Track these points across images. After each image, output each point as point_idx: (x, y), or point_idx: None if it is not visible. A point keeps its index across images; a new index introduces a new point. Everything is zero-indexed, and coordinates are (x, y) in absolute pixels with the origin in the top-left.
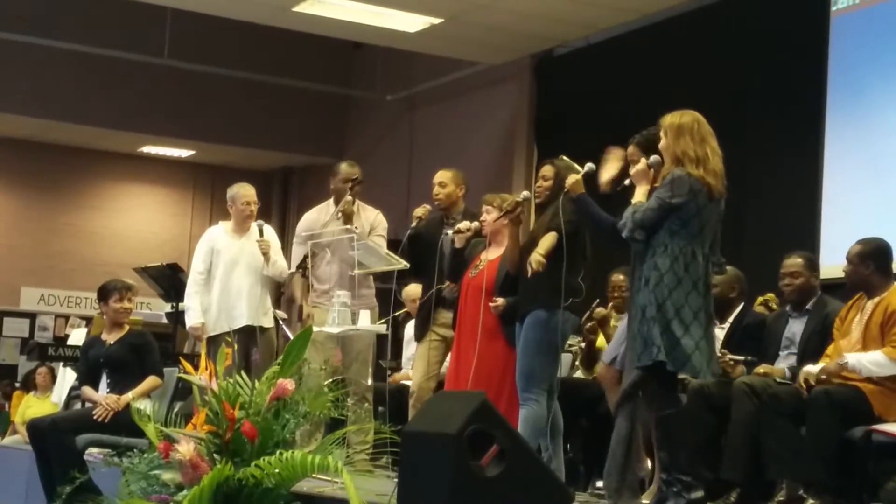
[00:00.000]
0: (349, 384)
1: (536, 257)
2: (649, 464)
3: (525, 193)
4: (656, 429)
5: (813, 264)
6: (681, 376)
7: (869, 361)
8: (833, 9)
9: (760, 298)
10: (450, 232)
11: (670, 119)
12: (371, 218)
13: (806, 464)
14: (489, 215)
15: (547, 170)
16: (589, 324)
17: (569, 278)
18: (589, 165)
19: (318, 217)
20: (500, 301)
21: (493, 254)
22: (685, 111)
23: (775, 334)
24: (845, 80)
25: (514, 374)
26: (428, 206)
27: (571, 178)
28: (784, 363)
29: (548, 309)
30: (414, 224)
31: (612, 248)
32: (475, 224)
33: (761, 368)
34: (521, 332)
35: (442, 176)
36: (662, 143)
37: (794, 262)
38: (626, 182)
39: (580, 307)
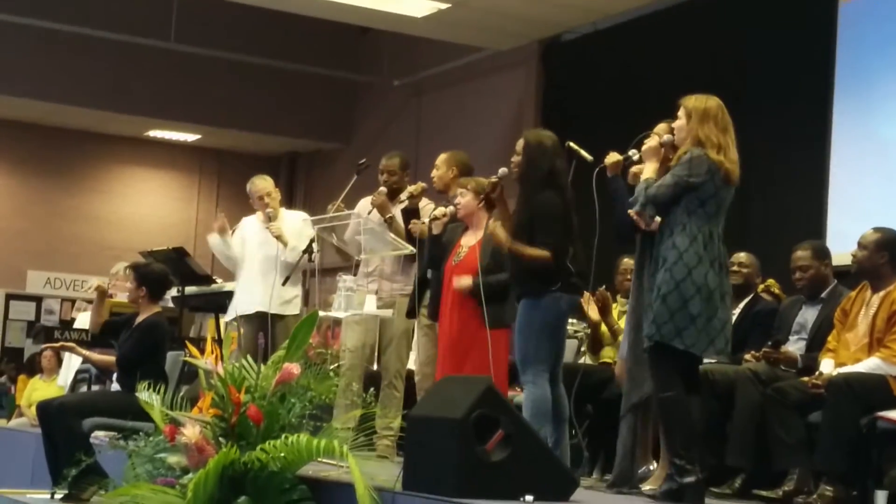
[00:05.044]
0: (382, 370)
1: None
2: (655, 464)
3: (502, 170)
4: (657, 409)
5: (821, 252)
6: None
7: (866, 371)
8: None
9: (762, 285)
10: (427, 220)
11: (695, 102)
12: (421, 206)
13: (823, 452)
14: (463, 198)
15: (518, 143)
16: (590, 305)
17: (556, 261)
18: (633, 151)
19: (365, 205)
20: (467, 281)
21: (472, 238)
22: (709, 96)
23: (787, 319)
24: (853, 68)
25: (500, 358)
26: (423, 184)
27: (611, 157)
28: (793, 348)
29: (535, 295)
30: (405, 200)
31: (623, 238)
32: (450, 209)
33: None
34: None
35: (438, 158)
36: (680, 123)
37: (802, 254)
38: (636, 158)
39: (577, 288)
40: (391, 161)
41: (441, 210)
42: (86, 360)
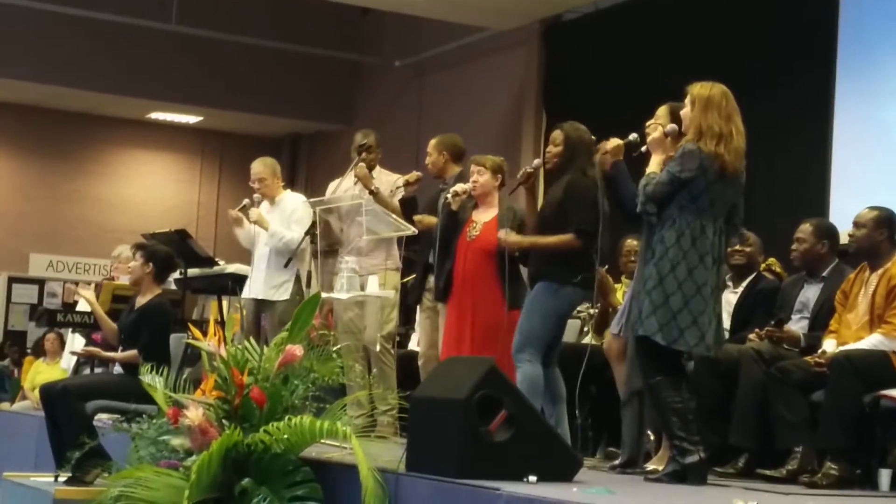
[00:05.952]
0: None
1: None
2: (651, 436)
3: (537, 161)
4: (647, 395)
5: (824, 231)
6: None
7: (868, 348)
8: None
9: (763, 264)
10: (448, 196)
11: (700, 89)
12: (391, 182)
13: (826, 431)
14: (481, 177)
15: (556, 135)
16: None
17: (585, 247)
18: (633, 135)
19: (337, 184)
20: (515, 237)
21: (486, 215)
22: (714, 83)
23: (789, 298)
24: (855, 48)
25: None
26: (419, 173)
27: (612, 143)
28: (796, 327)
29: (560, 281)
30: (401, 188)
31: (629, 223)
32: (468, 186)
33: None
34: (530, 296)
35: (429, 144)
36: (685, 111)
37: (803, 227)
38: (644, 149)
39: (591, 283)
40: (368, 138)
41: (461, 186)
42: (111, 361)
